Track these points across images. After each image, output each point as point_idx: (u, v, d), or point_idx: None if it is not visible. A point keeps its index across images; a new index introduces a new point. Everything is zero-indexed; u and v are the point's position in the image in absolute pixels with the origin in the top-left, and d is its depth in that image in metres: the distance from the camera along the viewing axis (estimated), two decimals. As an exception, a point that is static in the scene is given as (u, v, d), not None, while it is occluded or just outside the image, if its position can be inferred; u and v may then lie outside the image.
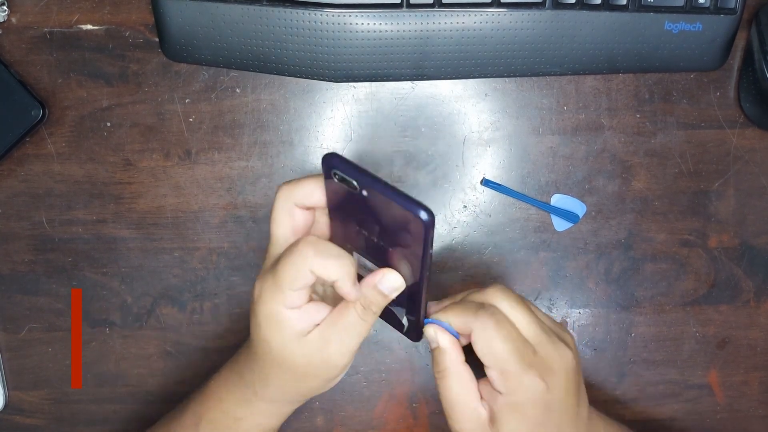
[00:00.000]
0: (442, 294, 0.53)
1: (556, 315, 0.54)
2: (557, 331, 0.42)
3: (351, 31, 0.47)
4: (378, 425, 0.55)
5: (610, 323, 0.55)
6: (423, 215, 0.34)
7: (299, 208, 0.38)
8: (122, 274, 0.52)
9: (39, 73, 0.50)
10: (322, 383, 0.41)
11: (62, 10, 0.50)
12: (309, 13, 0.46)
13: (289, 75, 0.49)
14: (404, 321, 0.42)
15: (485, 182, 0.52)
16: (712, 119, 0.53)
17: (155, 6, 0.47)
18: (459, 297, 0.43)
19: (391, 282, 0.38)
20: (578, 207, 0.53)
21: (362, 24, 0.47)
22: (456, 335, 0.40)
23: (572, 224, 0.53)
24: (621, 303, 0.54)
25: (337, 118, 0.52)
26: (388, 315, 0.42)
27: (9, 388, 0.53)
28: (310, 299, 0.39)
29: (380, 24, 0.47)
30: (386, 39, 0.48)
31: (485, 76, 0.50)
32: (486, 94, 0.52)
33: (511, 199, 0.53)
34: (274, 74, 0.50)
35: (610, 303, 0.54)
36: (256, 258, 0.52)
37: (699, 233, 0.54)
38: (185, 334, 0.53)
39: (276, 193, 0.39)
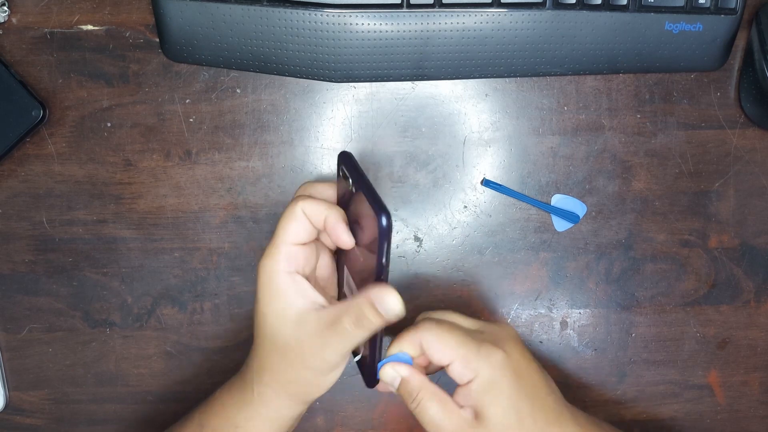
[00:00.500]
0: (440, 301, 0.53)
1: (557, 315, 0.54)
2: (493, 321, 0.45)
3: (351, 32, 0.47)
4: (378, 425, 0.55)
5: (610, 323, 0.55)
6: (383, 219, 0.34)
7: (307, 216, 0.40)
8: (123, 274, 0.52)
9: (39, 73, 0.50)
10: (313, 376, 0.40)
11: (62, 11, 0.50)
12: (309, 14, 0.46)
13: (290, 75, 0.49)
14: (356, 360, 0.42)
15: (485, 182, 0.52)
16: (712, 119, 0.53)
17: (155, 6, 0.47)
18: None
19: (391, 302, 0.37)
20: (578, 207, 0.53)
21: (363, 24, 0.47)
22: (410, 361, 0.41)
23: (572, 224, 0.53)
24: (621, 303, 0.54)
25: (338, 119, 0.52)
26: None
27: (9, 388, 0.53)
28: (306, 278, 0.40)
29: (380, 24, 0.47)
30: (386, 39, 0.48)
31: (485, 77, 0.50)
32: (486, 95, 0.52)
33: (511, 200, 0.53)
34: (275, 74, 0.50)
35: (610, 303, 0.54)
36: (257, 258, 0.52)
37: (699, 233, 0.54)
38: (185, 334, 0.53)
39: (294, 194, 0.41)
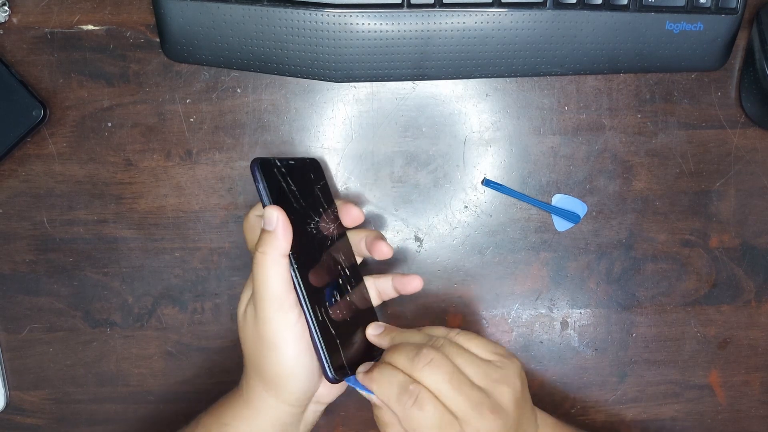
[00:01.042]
0: (441, 301, 0.53)
1: (557, 315, 0.54)
2: (493, 375, 0.40)
3: (352, 31, 0.47)
4: (379, 425, 0.55)
5: (611, 323, 0.55)
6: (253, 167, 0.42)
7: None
8: (123, 274, 0.52)
9: (40, 73, 0.50)
10: (276, 366, 0.41)
11: (63, 11, 0.50)
12: (310, 14, 0.46)
13: (290, 75, 0.49)
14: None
15: (486, 182, 0.52)
16: (713, 119, 0.53)
17: (156, 6, 0.47)
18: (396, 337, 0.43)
19: (268, 212, 0.40)
20: (579, 207, 0.53)
21: (363, 24, 0.47)
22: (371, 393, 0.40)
23: (573, 224, 0.53)
24: (622, 303, 0.54)
25: (338, 118, 0.52)
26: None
27: (10, 388, 0.53)
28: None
29: (381, 24, 0.47)
30: (387, 39, 0.48)
31: (486, 76, 0.50)
32: (487, 94, 0.52)
33: (512, 200, 0.53)
34: (275, 74, 0.50)
35: (611, 303, 0.54)
36: (257, 258, 0.52)
37: (700, 233, 0.54)
38: (186, 334, 0.53)
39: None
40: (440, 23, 0.47)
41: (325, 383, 0.44)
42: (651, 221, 0.54)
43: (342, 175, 0.52)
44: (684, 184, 0.53)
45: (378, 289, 0.47)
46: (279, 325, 0.40)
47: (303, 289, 0.40)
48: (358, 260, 0.47)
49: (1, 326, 0.52)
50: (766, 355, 0.56)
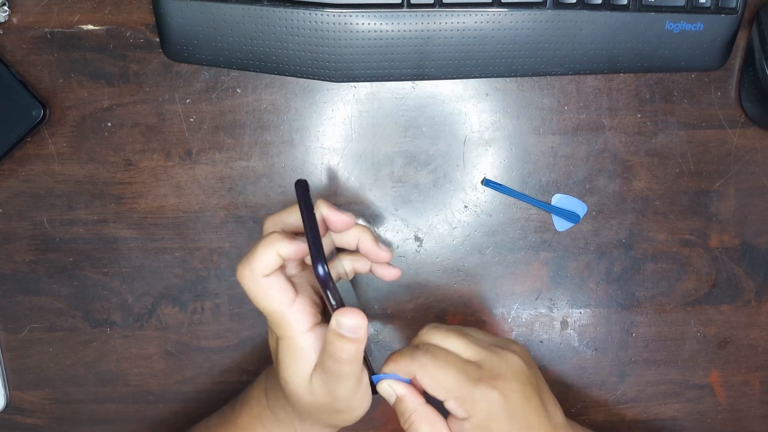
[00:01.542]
0: (440, 301, 0.53)
1: (557, 315, 0.54)
2: (500, 343, 0.42)
3: (352, 31, 0.47)
4: (379, 425, 0.55)
5: (611, 323, 0.55)
6: (318, 269, 0.36)
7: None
8: (123, 274, 0.52)
9: (40, 73, 0.50)
10: (347, 415, 0.41)
11: (63, 11, 0.50)
12: (310, 13, 0.46)
13: (290, 75, 0.49)
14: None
15: (486, 182, 0.52)
16: (713, 119, 0.53)
17: (156, 6, 0.47)
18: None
19: (349, 321, 0.37)
20: (579, 207, 0.53)
21: (363, 24, 0.47)
22: (408, 381, 0.40)
23: (573, 224, 0.53)
24: (622, 303, 0.54)
25: (338, 118, 0.52)
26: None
27: (10, 388, 0.53)
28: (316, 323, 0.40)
29: (381, 24, 0.47)
30: (387, 39, 0.48)
31: (486, 76, 0.50)
32: (487, 94, 0.52)
33: (511, 199, 0.53)
34: (275, 74, 0.50)
35: (611, 303, 0.54)
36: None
37: (700, 233, 0.54)
38: (186, 334, 0.53)
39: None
40: (440, 23, 0.47)
41: None
42: (651, 221, 0.54)
43: (342, 175, 0.52)
44: (684, 183, 0.53)
45: (354, 267, 0.45)
46: (361, 394, 0.40)
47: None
48: (350, 276, 0.46)
49: (1, 326, 0.52)
50: (766, 355, 0.56)
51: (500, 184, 0.52)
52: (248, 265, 0.37)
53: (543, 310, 0.54)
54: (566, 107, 0.52)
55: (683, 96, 0.53)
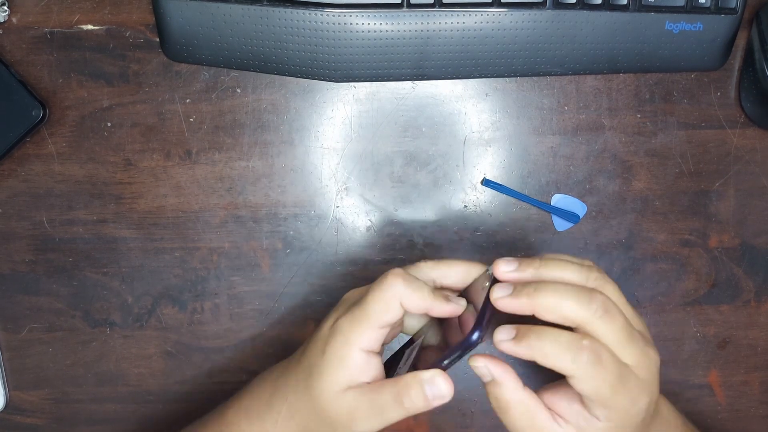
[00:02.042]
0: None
1: (557, 315, 0.54)
2: (644, 333, 0.39)
3: (351, 31, 0.47)
4: None
5: (610, 323, 0.54)
6: (474, 334, 0.35)
7: (405, 307, 0.37)
8: (123, 274, 0.52)
9: (39, 73, 0.50)
10: None
11: (63, 11, 0.50)
12: (309, 13, 0.46)
13: (290, 75, 0.49)
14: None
15: (486, 182, 0.52)
16: (712, 119, 0.53)
17: (156, 6, 0.47)
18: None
19: (442, 388, 0.35)
20: (579, 207, 0.53)
21: (363, 24, 0.47)
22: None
23: (573, 224, 0.53)
24: (621, 303, 0.54)
25: (338, 118, 0.52)
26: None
27: (9, 388, 0.53)
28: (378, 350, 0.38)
29: (381, 24, 0.47)
30: (387, 39, 0.48)
31: (486, 76, 0.50)
32: (486, 94, 0.52)
33: (511, 199, 0.53)
34: (275, 74, 0.50)
35: (610, 303, 0.54)
36: (257, 258, 0.52)
37: (699, 233, 0.54)
38: (185, 334, 0.53)
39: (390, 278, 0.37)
40: (440, 23, 0.47)
41: None
42: (650, 221, 0.54)
43: (342, 175, 0.52)
44: (683, 184, 0.53)
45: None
46: None
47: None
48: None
49: (0, 326, 0.52)
50: (766, 355, 0.56)
51: (500, 184, 0.52)
52: (406, 285, 0.36)
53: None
54: (566, 107, 0.52)
55: (683, 96, 0.53)
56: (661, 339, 0.55)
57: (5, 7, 0.49)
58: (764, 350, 0.55)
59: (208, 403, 0.49)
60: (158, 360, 0.53)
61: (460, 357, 0.36)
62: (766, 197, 0.54)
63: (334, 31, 0.47)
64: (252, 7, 0.46)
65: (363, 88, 0.51)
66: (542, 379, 0.40)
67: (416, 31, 0.47)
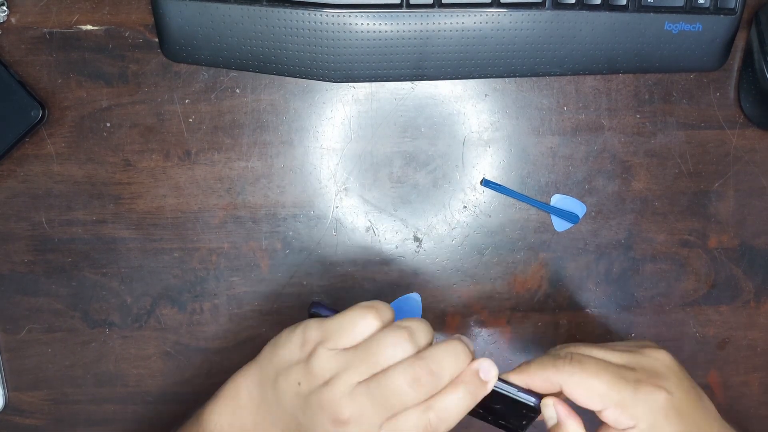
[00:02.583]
0: (439, 301, 0.53)
1: (556, 315, 0.54)
2: (637, 344, 0.40)
3: (351, 32, 0.47)
4: (378, 426, 0.54)
5: (610, 324, 0.55)
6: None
7: None
8: (122, 274, 0.52)
9: (39, 73, 0.50)
10: None
11: (62, 11, 0.50)
12: (309, 14, 0.46)
13: (289, 75, 0.49)
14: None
15: (485, 182, 0.52)
16: (711, 119, 0.53)
17: (155, 6, 0.47)
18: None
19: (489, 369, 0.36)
20: (578, 207, 0.53)
21: (362, 24, 0.47)
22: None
23: (572, 225, 0.53)
24: (621, 303, 0.54)
25: (337, 119, 0.52)
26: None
27: (8, 389, 0.53)
28: None
29: (380, 24, 0.47)
30: (386, 39, 0.48)
31: (485, 77, 0.50)
32: (486, 95, 0.52)
33: (511, 200, 0.53)
34: (274, 74, 0.50)
35: (610, 303, 0.54)
36: (256, 258, 0.52)
37: (699, 234, 0.54)
38: (185, 334, 0.53)
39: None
40: (439, 23, 0.47)
41: None
42: (650, 222, 0.54)
43: (341, 176, 0.52)
44: (683, 184, 0.53)
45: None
46: None
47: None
48: None
49: (-1, 327, 0.53)
50: (765, 356, 0.56)
51: (499, 185, 0.52)
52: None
53: (542, 311, 0.54)
54: (565, 108, 0.52)
55: (682, 96, 0.53)
56: (661, 339, 0.55)
57: (4, 8, 0.49)
58: (764, 351, 0.55)
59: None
60: (157, 361, 0.53)
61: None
62: (766, 198, 0.54)
63: (333, 32, 0.47)
64: (251, 8, 0.46)
65: (362, 88, 0.51)
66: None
67: (415, 31, 0.47)
